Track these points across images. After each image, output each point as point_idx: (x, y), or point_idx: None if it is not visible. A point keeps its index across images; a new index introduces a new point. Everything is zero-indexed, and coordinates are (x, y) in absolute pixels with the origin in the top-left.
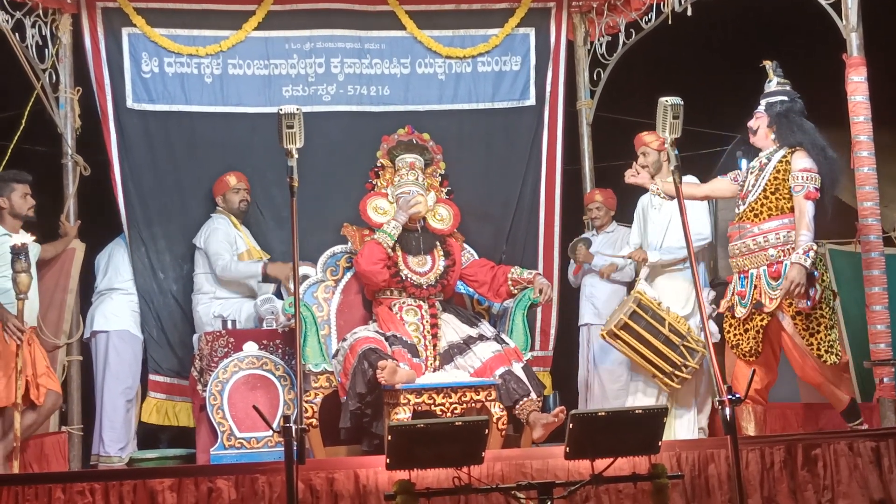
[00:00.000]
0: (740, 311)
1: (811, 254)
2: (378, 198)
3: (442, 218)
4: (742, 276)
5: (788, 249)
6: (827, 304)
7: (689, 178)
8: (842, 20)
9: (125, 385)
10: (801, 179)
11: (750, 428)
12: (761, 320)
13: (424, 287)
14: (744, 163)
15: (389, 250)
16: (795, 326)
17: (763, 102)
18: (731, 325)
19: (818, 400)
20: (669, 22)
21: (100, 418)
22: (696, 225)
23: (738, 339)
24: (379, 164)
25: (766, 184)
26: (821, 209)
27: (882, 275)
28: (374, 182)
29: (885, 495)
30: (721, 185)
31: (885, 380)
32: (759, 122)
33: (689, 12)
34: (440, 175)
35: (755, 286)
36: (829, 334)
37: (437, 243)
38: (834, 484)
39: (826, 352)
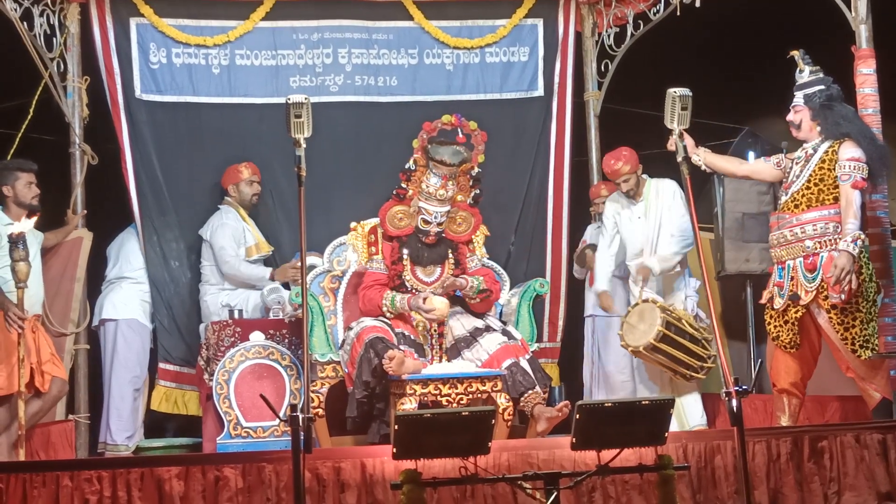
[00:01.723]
0: (779, 303)
1: (858, 242)
2: (399, 206)
3: (460, 225)
4: (780, 266)
5: (825, 241)
6: (865, 297)
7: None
8: (851, 12)
9: (133, 374)
10: (847, 168)
11: (784, 419)
12: (796, 312)
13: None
14: (751, 155)
15: (388, 314)
16: (830, 321)
17: (799, 95)
18: (770, 317)
19: (824, 392)
20: (678, 13)
21: (107, 407)
22: (687, 228)
23: (779, 331)
24: (410, 167)
25: (810, 174)
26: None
27: (891, 267)
28: (404, 188)
29: (892, 488)
30: (763, 167)
31: (892, 372)
32: (801, 115)
33: (698, 3)
34: (472, 175)
35: (792, 278)
36: (866, 328)
37: (450, 251)
38: (840, 476)
39: (861, 346)
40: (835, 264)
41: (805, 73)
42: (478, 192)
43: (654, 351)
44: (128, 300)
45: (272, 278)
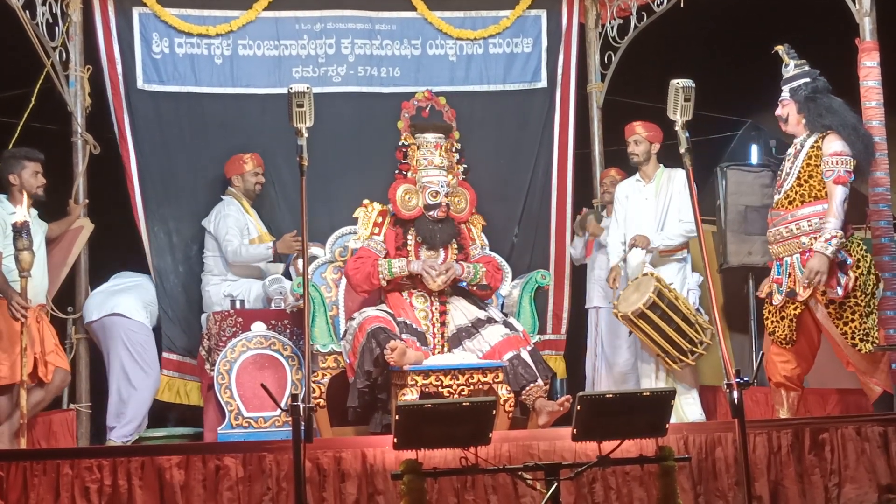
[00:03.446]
0: (777, 299)
1: (834, 241)
2: (406, 184)
3: (460, 203)
4: (778, 263)
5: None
6: (863, 290)
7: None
8: (855, 4)
9: (154, 376)
10: (831, 164)
11: (782, 412)
12: (795, 309)
13: None
14: (754, 149)
15: (383, 282)
16: (829, 315)
17: (786, 89)
18: (769, 312)
19: (825, 385)
20: (681, 5)
21: (121, 404)
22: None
23: (775, 327)
24: (404, 144)
25: (799, 171)
26: (854, 191)
27: (892, 260)
28: (406, 164)
29: (893, 480)
30: None
31: (893, 365)
32: (787, 109)
33: None
34: (456, 149)
35: (790, 274)
36: (865, 322)
37: (454, 237)
38: (841, 468)
39: (861, 340)
40: (808, 266)
41: (790, 66)
42: (465, 166)
43: (641, 318)
44: (138, 306)
45: (275, 252)
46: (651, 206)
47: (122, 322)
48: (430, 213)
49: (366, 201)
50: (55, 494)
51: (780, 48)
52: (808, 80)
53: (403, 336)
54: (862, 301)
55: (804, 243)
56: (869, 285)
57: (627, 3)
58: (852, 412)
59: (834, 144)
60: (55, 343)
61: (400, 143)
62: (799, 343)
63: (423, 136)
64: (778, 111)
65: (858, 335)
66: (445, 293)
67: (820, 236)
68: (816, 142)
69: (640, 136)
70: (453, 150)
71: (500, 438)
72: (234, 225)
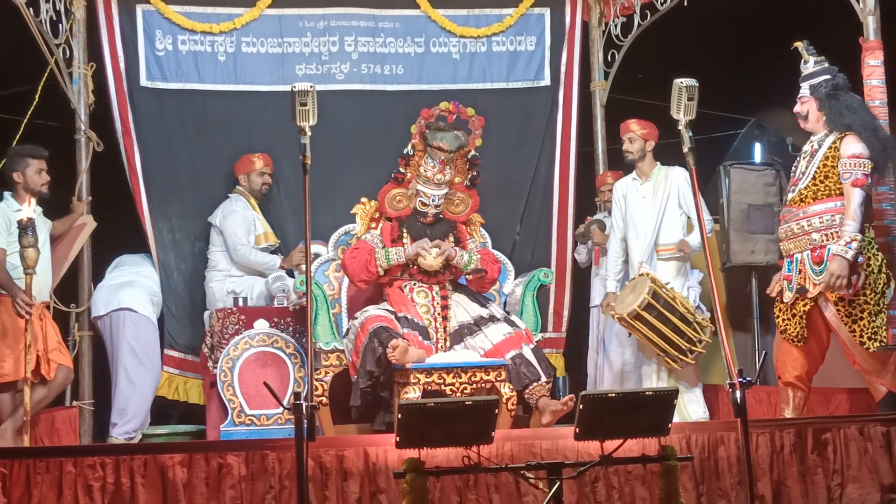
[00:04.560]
0: (788, 296)
1: (854, 245)
2: (397, 188)
3: (458, 206)
4: (789, 260)
5: (832, 234)
6: (873, 289)
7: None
8: (858, 3)
9: (155, 372)
10: (849, 166)
11: (787, 411)
12: (804, 305)
13: (432, 273)
14: (757, 147)
15: (380, 270)
16: (838, 313)
17: (805, 86)
18: (780, 310)
19: (829, 384)
20: (685, 3)
21: (125, 401)
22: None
23: (786, 324)
24: (408, 151)
25: (815, 171)
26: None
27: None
28: (403, 172)
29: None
30: None
31: None
32: (807, 106)
33: None
34: (469, 158)
35: (800, 271)
36: (874, 320)
37: (449, 232)
38: (844, 468)
39: (869, 339)
40: (826, 269)
41: (810, 63)
42: (475, 174)
43: (637, 319)
44: (145, 300)
45: (281, 266)
46: (649, 205)
47: (130, 317)
48: (418, 216)
49: (364, 199)
50: (58, 492)
51: (799, 44)
52: (828, 76)
53: (405, 331)
54: (871, 299)
55: (815, 240)
56: (879, 284)
57: (631, 2)
58: (856, 411)
59: (852, 146)
60: (58, 340)
61: (405, 151)
62: (809, 341)
63: (433, 152)
64: (797, 108)
65: (867, 333)
66: (446, 288)
67: (839, 240)
68: (835, 142)
69: (634, 134)
70: (467, 156)
71: (503, 437)
72: (242, 223)
